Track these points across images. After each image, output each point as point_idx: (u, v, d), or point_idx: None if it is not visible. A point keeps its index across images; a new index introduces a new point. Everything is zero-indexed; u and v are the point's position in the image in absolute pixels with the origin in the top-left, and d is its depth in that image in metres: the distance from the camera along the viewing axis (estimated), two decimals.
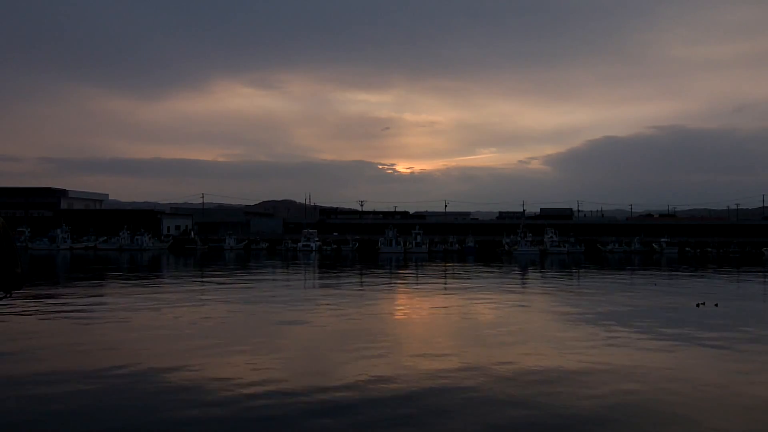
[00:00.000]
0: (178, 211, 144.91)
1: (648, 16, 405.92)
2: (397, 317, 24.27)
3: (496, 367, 14.14)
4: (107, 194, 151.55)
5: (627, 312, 24.86)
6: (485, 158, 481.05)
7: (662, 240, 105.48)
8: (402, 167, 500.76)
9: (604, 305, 27.41)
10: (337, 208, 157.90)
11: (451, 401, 11.43)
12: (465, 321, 22.41)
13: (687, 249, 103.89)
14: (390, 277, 46.34)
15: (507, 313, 24.49)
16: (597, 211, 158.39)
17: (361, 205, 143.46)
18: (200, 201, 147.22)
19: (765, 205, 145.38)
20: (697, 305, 26.58)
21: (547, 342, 17.75)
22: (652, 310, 25.56)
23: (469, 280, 42.96)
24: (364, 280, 43.65)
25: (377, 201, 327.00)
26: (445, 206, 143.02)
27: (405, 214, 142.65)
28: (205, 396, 11.61)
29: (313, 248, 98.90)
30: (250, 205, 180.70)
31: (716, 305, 26.57)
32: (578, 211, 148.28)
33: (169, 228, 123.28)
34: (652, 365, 14.59)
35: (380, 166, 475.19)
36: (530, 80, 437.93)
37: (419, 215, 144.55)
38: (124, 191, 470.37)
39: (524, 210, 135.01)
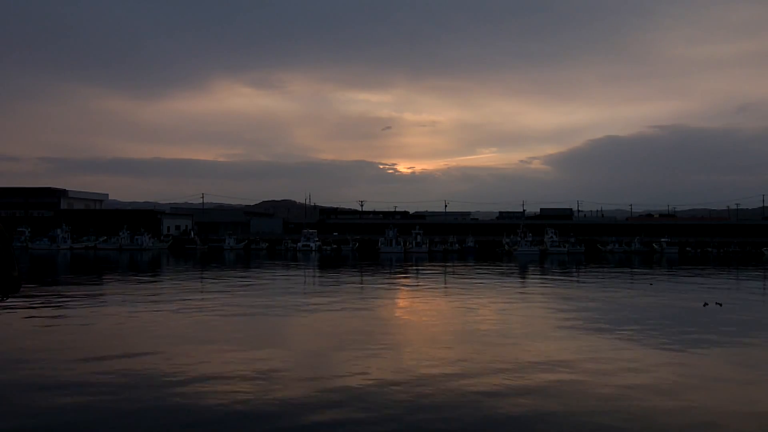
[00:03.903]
0: (178, 211, 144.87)
1: (650, 15, 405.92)
2: (397, 318, 24.23)
3: (497, 369, 14.11)
4: (107, 194, 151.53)
5: (628, 313, 24.82)
6: (486, 158, 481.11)
7: (662, 240, 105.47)
8: (403, 167, 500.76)
9: (605, 306, 27.38)
10: (337, 208, 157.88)
11: (452, 406, 11.39)
12: (465, 322, 22.35)
13: (687, 249, 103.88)
14: (390, 278, 46.31)
15: (507, 314, 24.42)
16: (597, 211, 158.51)
17: (361, 205, 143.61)
18: (200, 201, 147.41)
19: (765, 205, 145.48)
20: (704, 305, 26.65)
21: (549, 345, 17.71)
22: (656, 311, 25.49)
23: (469, 281, 42.92)
24: (364, 280, 43.63)
25: (377, 201, 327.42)
26: (445, 206, 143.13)
27: (405, 214, 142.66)
28: (204, 396, 11.58)
29: (313, 248, 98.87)
30: (250, 205, 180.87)
31: (720, 305, 26.64)
32: (578, 211, 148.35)
33: (169, 228, 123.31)
34: (660, 367, 14.56)
35: (381, 166, 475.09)
36: (531, 80, 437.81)
37: (419, 215, 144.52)
38: (124, 191, 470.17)
39: (524, 210, 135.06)
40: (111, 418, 10.35)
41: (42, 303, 26.40)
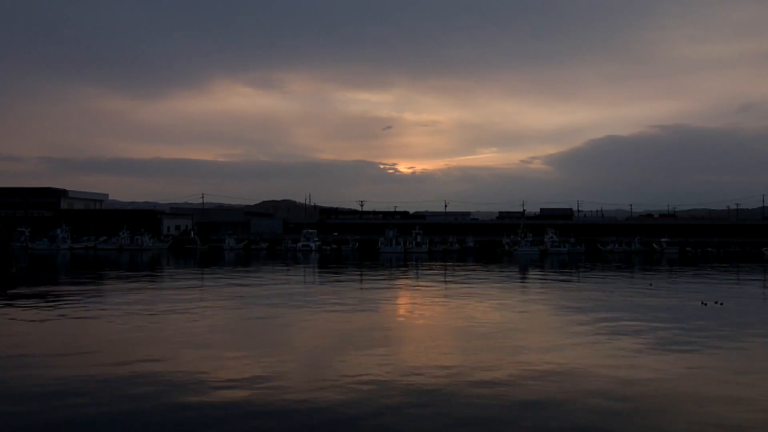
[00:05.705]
0: (178, 211, 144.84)
1: (652, 14, 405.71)
2: (397, 319, 24.22)
3: (498, 371, 14.09)
4: (107, 194, 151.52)
5: (629, 313, 24.80)
6: (486, 158, 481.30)
7: (662, 240, 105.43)
8: (403, 167, 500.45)
9: (606, 307, 27.37)
10: (337, 208, 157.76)
11: (453, 409, 11.38)
12: (465, 323, 22.32)
13: (687, 249, 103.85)
14: (390, 278, 46.29)
15: (506, 314, 24.43)
16: (597, 211, 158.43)
17: (361, 205, 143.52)
18: (200, 201, 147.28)
19: (765, 205, 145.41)
20: (703, 303, 26.72)
21: (550, 345, 17.70)
22: (656, 311, 25.48)
23: (469, 281, 42.90)
24: (364, 280, 43.61)
25: (378, 201, 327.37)
26: (445, 206, 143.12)
27: (405, 214, 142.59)
28: (203, 398, 11.57)
29: (313, 248, 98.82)
30: (250, 205, 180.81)
31: (721, 303, 26.67)
32: (578, 211, 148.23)
33: (169, 228, 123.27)
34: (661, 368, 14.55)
35: (381, 166, 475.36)
36: (532, 79, 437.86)
37: (419, 215, 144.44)
38: (124, 191, 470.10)
39: (524, 210, 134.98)
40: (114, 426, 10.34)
41: (38, 305, 26.38)
